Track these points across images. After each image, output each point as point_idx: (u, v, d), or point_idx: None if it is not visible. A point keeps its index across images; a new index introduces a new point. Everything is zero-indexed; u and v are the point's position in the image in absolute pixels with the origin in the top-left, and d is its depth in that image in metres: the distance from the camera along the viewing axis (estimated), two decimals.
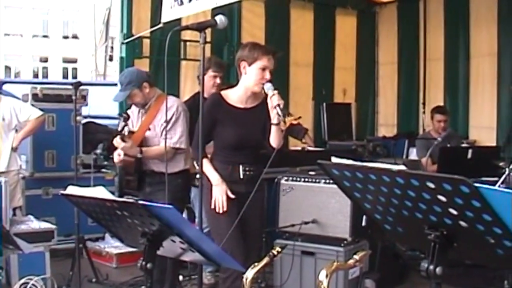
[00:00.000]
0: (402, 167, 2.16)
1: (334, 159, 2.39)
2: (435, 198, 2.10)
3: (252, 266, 3.19)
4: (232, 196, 5.01)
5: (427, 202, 2.16)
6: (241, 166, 5.08)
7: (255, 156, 5.11)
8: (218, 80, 6.86)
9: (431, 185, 2.07)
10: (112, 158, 6.15)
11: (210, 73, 6.78)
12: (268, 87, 4.81)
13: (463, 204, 2.04)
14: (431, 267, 2.26)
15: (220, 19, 4.18)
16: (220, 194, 4.98)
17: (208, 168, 4.99)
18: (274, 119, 4.85)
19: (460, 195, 2.01)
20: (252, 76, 4.94)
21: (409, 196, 2.20)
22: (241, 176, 5.07)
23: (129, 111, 6.09)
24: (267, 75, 4.90)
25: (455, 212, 2.11)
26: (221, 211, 4.97)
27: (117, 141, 5.73)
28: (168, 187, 4.94)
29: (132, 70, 6.41)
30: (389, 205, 2.35)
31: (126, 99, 6.02)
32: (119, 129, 5.75)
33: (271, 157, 4.65)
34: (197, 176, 5.61)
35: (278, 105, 4.71)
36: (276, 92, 4.75)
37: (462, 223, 2.14)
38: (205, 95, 6.65)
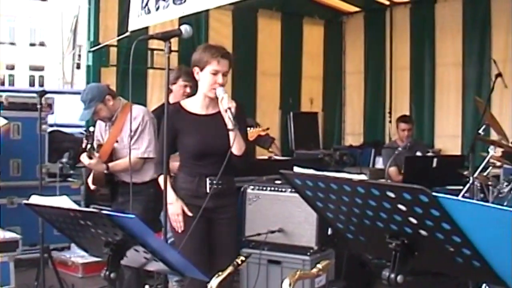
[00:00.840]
0: (363, 177, 2.19)
1: (296, 169, 2.41)
2: (395, 207, 2.13)
3: (217, 275, 3.19)
4: (189, 214, 4.78)
5: (388, 211, 2.18)
6: (207, 179, 4.82)
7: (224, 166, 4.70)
8: (188, 89, 6.86)
9: (391, 195, 2.09)
10: (79, 167, 6.12)
11: (181, 82, 6.77)
12: (219, 92, 4.63)
13: (423, 213, 2.06)
14: (392, 275, 2.28)
15: (185, 28, 4.18)
16: (174, 213, 4.79)
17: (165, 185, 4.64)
18: (228, 124, 4.61)
19: (419, 204, 2.03)
20: (205, 82, 4.75)
21: (370, 206, 2.22)
22: (207, 190, 4.80)
23: (92, 128, 6.03)
24: (219, 79, 4.68)
25: (415, 221, 2.13)
26: (179, 231, 4.80)
27: (83, 158, 5.71)
28: (140, 197, 4.91)
29: (92, 86, 6.39)
30: (350, 214, 2.37)
31: (92, 116, 5.98)
32: (83, 146, 5.72)
33: (224, 163, 4.47)
34: None
35: (229, 108, 4.51)
36: (226, 95, 4.57)
37: (422, 232, 2.16)
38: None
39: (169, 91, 6.63)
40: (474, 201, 1.98)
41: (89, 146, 5.65)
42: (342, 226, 2.53)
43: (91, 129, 5.94)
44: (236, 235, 5.26)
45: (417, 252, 2.28)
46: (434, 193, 1.96)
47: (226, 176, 4.76)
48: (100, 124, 6.12)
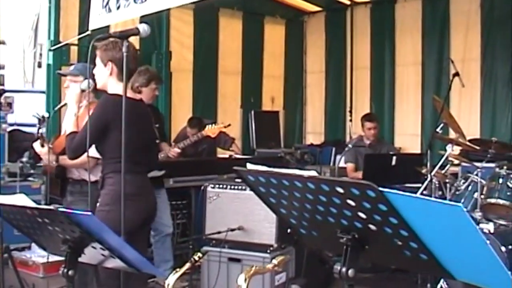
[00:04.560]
0: (313, 173, 2.24)
1: (249, 166, 2.45)
2: (345, 202, 2.18)
3: (174, 271, 3.22)
4: None
5: (338, 207, 2.23)
6: None
7: None
8: (157, 93, 6.91)
9: (340, 190, 2.14)
10: (39, 167, 6.06)
11: (152, 85, 6.79)
12: None
13: (371, 208, 2.11)
14: (344, 269, 2.32)
15: (142, 27, 4.20)
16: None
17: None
18: None
19: (367, 199, 2.09)
20: None
21: (321, 201, 2.26)
22: None
23: (47, 114, 5.88)
24: None
25: (364, 216, 2.19)
26: None
27: (36, 144, 5.62)
28: (88, 198, 4.87)
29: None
30: (302, 210, 2.42)
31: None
32: (37, 132, 5.63)
33: None
34: None
35: None
36: None
37: (371, 227, 2.21)
38: None
39: (137, 92, 6.68)
40: (419, 195, 2.02)
41: (40, 131, 5.56)
42: (295, 222, 2.57)
43: (46, 115, 5.82)
44: None
45: (368, 246, 2.32)
46: (380, 188, 2.01)
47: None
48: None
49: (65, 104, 4.99)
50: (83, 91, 4.95)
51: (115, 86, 4.68)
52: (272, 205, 2.55)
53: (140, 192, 4.74)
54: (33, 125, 9.92)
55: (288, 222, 2.59)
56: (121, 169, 4.51)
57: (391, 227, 2.14)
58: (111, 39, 4.57)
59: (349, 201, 2.16)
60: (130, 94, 4.74)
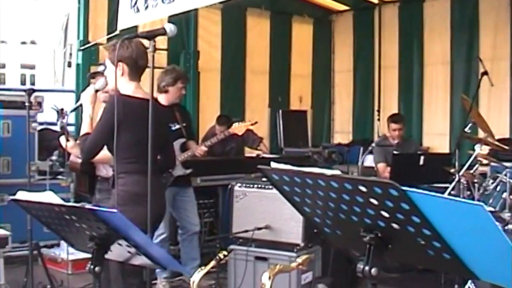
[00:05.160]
0: (337, 172, 2.25)
1: (273, 164, 2.46)
2: (368, 201, 2.18)
3: (200, 269, 3.25)
4: None
5: (361, 205, 2.23)
6: None
7: None
8: (183, 92, 6.95)
9: (363, 189, 2.15)
10: (68, 165, 6.11)
11: (179, 84, 6.82)
12: None
13: (393, 206, 2.12)
14: (367, 268, 2.33)
15: (169, 27, 4.22)
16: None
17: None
18: None
19: (390, 198, 2.09)
20: None
21: (344, 200, 2.27)
22: None
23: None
24: None
25: (387, 215, 2.19)
26: None
27: (62, 138, 5.66)
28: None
29: None
30: (326, 208, 2.42)
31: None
32: (59, 126, 5.66)
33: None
34: None
35: None
36: None
37: (394, 225, 2.22)
38: (166, 104, 6.73)
39: (164, 91, 6.73)
40: (442, 195, 2.02)
41: (61, 124, 5.58)
42: (319, 221, 2.58)
43: (65, 109, 5.84)
44: None
45: (391, 245, 2.33)
46: (402, 187, 2.02)
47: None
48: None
49: (81, 105, 5.01)
50: (97, 91, 4.96)
51: (126, 86, 4.69)
52: (297, 203, 2.56)
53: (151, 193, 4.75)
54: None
55: (312, 221, 2.60)
56: (132, 170, 4.56)
57: (414, 226, 2.14)
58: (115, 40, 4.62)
59: (372, 200, 2.16)
60: (141, 93, 4.76)
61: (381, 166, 8.59)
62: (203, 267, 3.26)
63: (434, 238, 2.14)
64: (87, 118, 4.88)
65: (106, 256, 3.02)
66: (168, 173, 6.44)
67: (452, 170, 7.01)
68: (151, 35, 4.14)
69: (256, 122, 7.76)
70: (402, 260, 2.49)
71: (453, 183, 6.85)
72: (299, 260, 3.04)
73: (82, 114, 5.01)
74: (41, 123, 9.10)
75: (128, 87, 4.69)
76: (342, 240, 2.65)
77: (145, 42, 4.46)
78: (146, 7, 7.10)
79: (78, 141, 5.18)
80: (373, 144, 8.37)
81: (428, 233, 2.13)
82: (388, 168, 8.32)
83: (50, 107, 7.95)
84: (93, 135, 4.69)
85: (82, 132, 4.84)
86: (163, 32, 4.20)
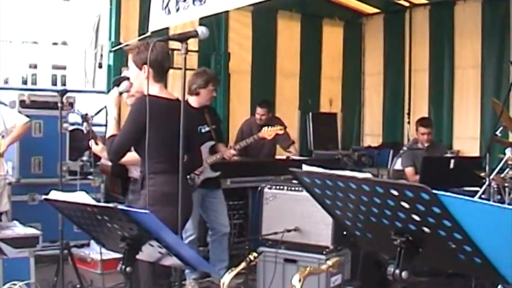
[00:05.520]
0: (368, 175, 2.25)
1: (305, 167, 2.47)
2: (399, 204, 2.18)
3: (229, 271, 3.26)
4: None
5: (392, 209, 2.24)
6: None
7: None
8: (214, 94, 7.00)
9: (395, 192, 2.15)
10: (99, 166, 6.17)
11: (210, 87, 6.86)
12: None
13: (425, 210, 2.12)
14: (397, 271, 2.33)
15: (201, 29, 4.25)
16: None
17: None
18: None
19: (421, 201, 2.09)
20: None
21: (375, 203, 2.27)
22: None
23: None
24: None
25: (418, 218, 2.19)
26: None
27: (91, 142, 5.72)
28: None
29: None
30: (357, 211, 2.43)
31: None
32: (85, 131, 5.71)
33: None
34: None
35: None
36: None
37: (425, 229, 2.21)
38: (197, 106, 6.77)
39: (195, 93, 6.76)
40: (474, 198, 2.02)
41: (85, 129, 5.64)
42: (350, 224, 2.59)
43: (89, 113, 5.90)
44: None
45: (422, 248, 2.33)
46: (434, 191, 2.02)
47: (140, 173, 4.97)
48: None
49: (105, 107, 5.05)
50: (121, 93, 4.99)
51: (151, 87, 4.71)
52: (327, 206, 2.56)
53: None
54: (94, 125, 10.15)
55: (343, 224, 2.61)
56: (161, 170, 4.60)
57: (445, 230, 2.14)
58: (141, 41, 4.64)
59: (403, 203, 2.16)
60: (165, 94, 4.80)
61: (409, 170, 8.57)
62: (233, 268, 3.28)
63: (465, 242, 2.14)
64: (113, 121, 4.93)
65: (137, 256, 3.04)
66: (194, 174, 6.48)
67: (482, 174, 6.98)
68: (183, 37, 4.16)
69: (285, 127, 7.79)
70: (433, 264, 2.49)
71: (484, 187, 6.82)
72: (330, 262, 3.05)
73: (107, 116, 5.06)
74: (72, 124, 9.18)
75: (153, 89, 4.73)
76: (372, 243, 2.65)
77: (176, 44, 4.46)
78: (178, 9, 7.12)
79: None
80: (404, 148, 8.35)
81: (459, 237, 2.13)
82: (416, 176, 8.30)
83: (75, 112, 8.03)
84: (120, 136, 4.73)
85: (108, 134, 4.88)
86: (195, 34, 4.23)
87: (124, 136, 4.69)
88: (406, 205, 2.16)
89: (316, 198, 2.58)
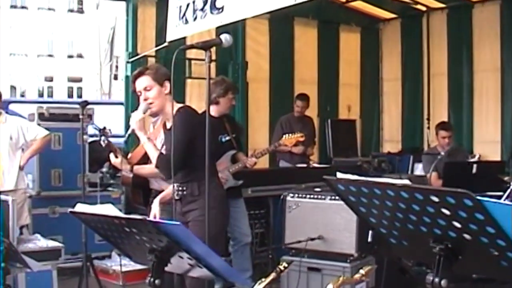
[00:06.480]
0: (407, 181, 2.20)
1: (339, 175, 2.43)
2: (439, 211, 2.13)
3: (259, 281, 3.22)
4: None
5: (431, 216, 2.19)
6: (174, 186, 4.96)
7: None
8: (233, 102, 6.98)
9: (435, 199, 2.10)
10: (119, 177, 6.15)
11: (229, 95, 6.83)
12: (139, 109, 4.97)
13: (467, 217, 2.07)
14: (436, 279, 2.28)
15: (225, 37, 4.22)
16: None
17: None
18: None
19: (463, 208, 2.04)
20: None
21: (414, 210, 2.23)
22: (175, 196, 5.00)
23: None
24: (141, 98, 4.95)
25: (459, 225, 2.14)
26: None
27: (111, 155, 5.71)
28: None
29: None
30: (394, 219, 2.38)
31: None
32: (103, 145, 5.71)
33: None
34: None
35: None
36: (134, 114, 4.97)
37: (466, 236, 2.17)
38: (217, 115, 6.73)
39: (214, 103, 6.72)
40: None
41: (103, 142, 5.64)
42: (385, 231, 2.54)
43: (106, 127, 5.89)
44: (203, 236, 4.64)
45: (461, 256, 2.28)
46: (478, 197, 1.97)
47: (188, 183, 4.98)
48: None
49: (133, 130, 5.05)
50: (144, 113, 4.98)
51: (170, 101, 4.83)
52: (362, 214, 2.52)
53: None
54: (112, 136, 10.14)
55: (378, 231, 2.56)
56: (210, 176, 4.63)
57: (488, 237, 2.09)
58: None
59: (444, 210, 2.12)
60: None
61: (434, 175, 8.49)
62: (263, 279, 3.23)
63: (508, 249, 2.09)
64: (149, 144, 5.01)
65: (166, 268, 3.00)
66: None
67: (506, 178, 6.91)
68: (207, 46, 4.13)
69: (307, 134, 7.76)
70: (473, 272, 2.44)
71: (508, 192, 6.74)
72: (362, 271, 2.99)
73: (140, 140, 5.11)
74: (91, 135, 9.17)
75: (171, 103, 4.81)
76: (408, 251, 2.60)
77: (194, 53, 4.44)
78: (195, 18, 7.11)
79: (140, 151, 5.56)
80: (424, 154, 8.29)
81: (502, 243, 2.08)
82: (441, 181, 8.22)
83: (93, 127, 8.02)
84: (175, 152, 4.68)
85: (153, 158, 4.98)
86: (218, 42, 4.20)
87: (179, 149, 4.73)
88: (446, 212, 2.12)
89: (351, 205, 2.53)
